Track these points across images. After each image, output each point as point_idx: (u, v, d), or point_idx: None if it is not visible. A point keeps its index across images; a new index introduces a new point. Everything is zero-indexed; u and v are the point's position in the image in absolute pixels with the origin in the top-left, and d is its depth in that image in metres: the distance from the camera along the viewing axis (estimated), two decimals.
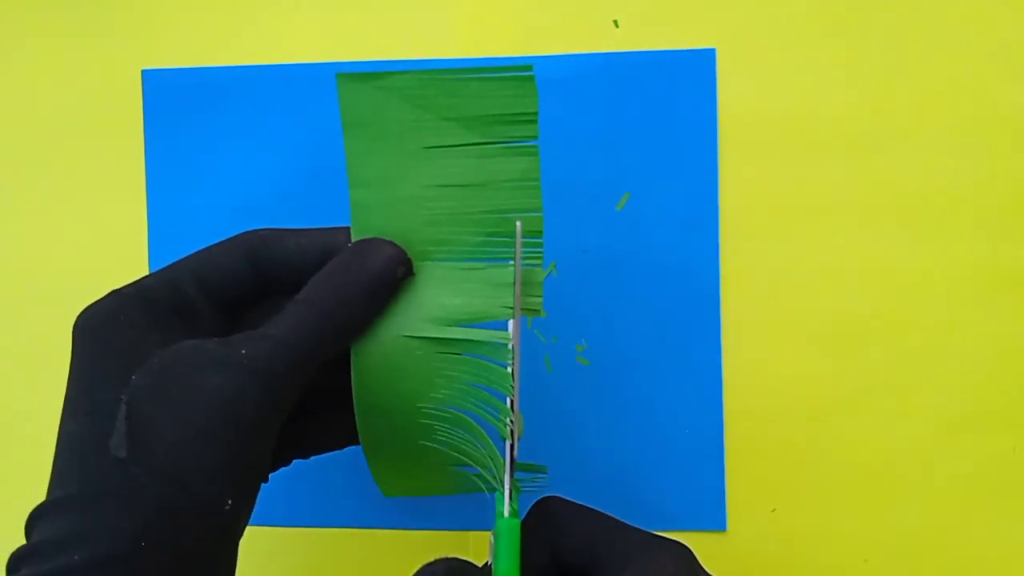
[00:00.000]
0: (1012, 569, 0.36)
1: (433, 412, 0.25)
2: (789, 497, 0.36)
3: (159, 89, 0.38)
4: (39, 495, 0.23)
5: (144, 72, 0.38)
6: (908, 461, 0.36)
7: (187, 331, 0.24)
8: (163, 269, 0.25)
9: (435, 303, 0.25)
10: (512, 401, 0.25)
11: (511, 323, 0.26)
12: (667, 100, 0.36)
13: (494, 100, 0.26)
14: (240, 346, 0.22)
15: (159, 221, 0.38)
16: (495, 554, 0.24)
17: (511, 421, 0.25)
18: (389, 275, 0.25)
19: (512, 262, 0.26)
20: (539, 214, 0.26)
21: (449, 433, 0.26)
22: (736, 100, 0.36)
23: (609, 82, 0.37)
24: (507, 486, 0.25)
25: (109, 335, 0.23)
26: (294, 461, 0.28)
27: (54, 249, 0.38)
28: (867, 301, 0.36)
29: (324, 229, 0.27)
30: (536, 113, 0.26)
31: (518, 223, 0.26)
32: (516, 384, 0.25)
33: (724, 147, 0.36)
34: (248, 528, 0.24)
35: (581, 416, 0.36)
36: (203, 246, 0.37)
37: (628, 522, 0.26)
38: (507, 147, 0.26)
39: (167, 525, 0.20)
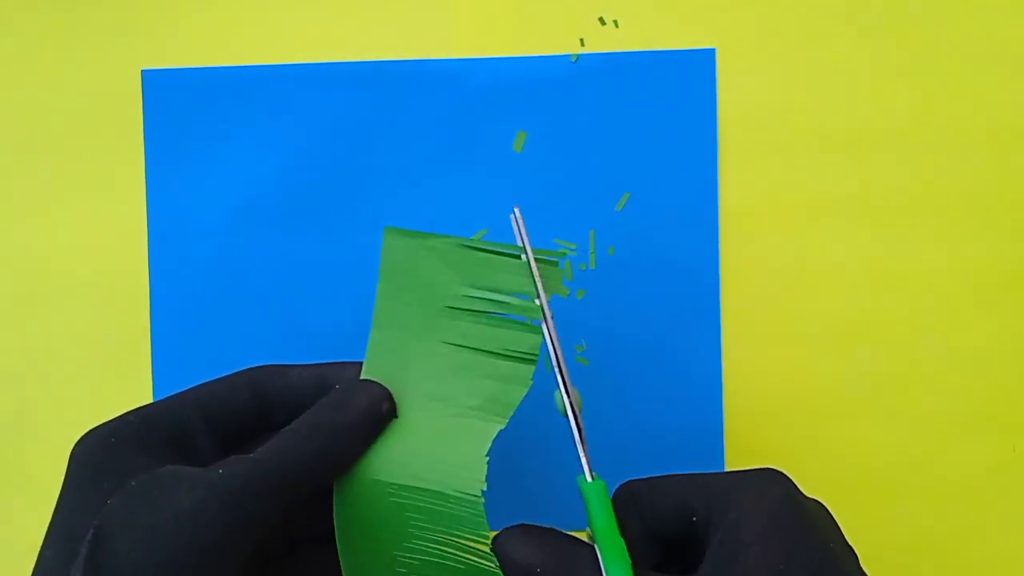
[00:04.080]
0: (1012, 569, 0.36)
1: (409, 560, 0.26)
2: None
3: (159, 89, 0.38)
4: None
5: (144, 72, 0.38)
6: (908, 461, 0.36)
7: (180, 460, 0.24)
8: (170, 396, 0.26)
9: (414, 453, 0.26)
10: (563, 376, 0.26)
11: (541, 294, 0.27)
12: (667, 100, 0.36)
13: (522, 278, 0.27)
14: (218, 467, 0.23)
15: (159, 221, 0.38)
16: (590, 516, 0.24)
17: (568, 397, 0.26)
18: (373, 410, 0.26)
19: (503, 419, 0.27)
20: (527, 387, 0.27)
21: None
22: (736, 100, 0.36)
23: (609, 82, 0.37)
24: (583, 455, 0.26)
25: (97, 461, 0.23)
26: None
27: (54, 249, 0.38)
28: (867, 301, 0.36)
29: (326, 364, 0.28)
30: (551, 296, 0.27)
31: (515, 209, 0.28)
32: (561, 359, 0.26)
33: (724, 147, 0.36)
34: None
35: (581, 416, 0.36)
36: (202, 246, 0.37)
37: None
38: (519, 323, 0.27)
39: None
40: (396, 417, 0.27)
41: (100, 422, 0.25)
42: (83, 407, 0.38)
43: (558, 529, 0.25)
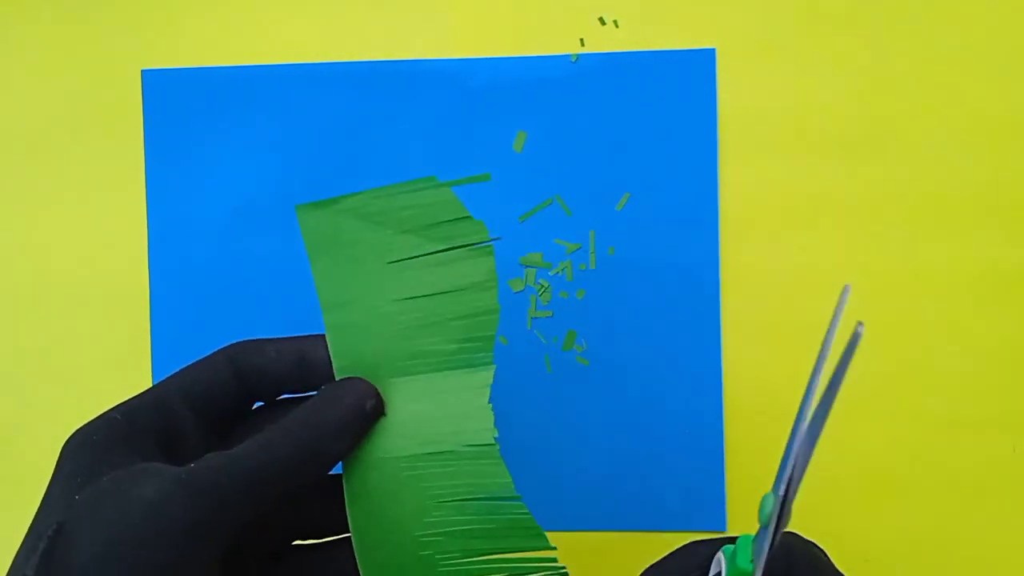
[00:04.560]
0: (1012, 569, 0.36)
1: (431, 538, 0.25)
2: None
3: (159, 89, 0.38)
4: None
5: (144, 72, 0.38)
6: (908, 461, 0.36)
7: (164, 454, 0.24)
8: (154, 387, 0.26)
9: (416, 420, 0.25)
10: (790, 479, 0.21)
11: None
12: (667, 100, 0.36)
13: (450, 205, 0.26)
14: (193, 462, 0.22)
15: (159, 221, 0.38)
16: None
17: (778, 504, 0.21)
18: (358, 407, 0.25)
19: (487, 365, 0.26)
20: (497, 312, 0.26)
21: (453, 559, 0.25)
22: (736, 100, 0.36)
23: (609, 82, 0.37)
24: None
25: (79, 458, 0.23)
26: None
27: (54, 249, 0.38)
28: (867, 301, 0.36)
29: (301, 337, 0.27)
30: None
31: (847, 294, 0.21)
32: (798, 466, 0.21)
33: (724, 147, 0.36)
34: None
35: (581, 416, 0.36)
36: (202, 246, 0.37)
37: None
38: (468, 250, 0.26)
39: None
40: (384, 415, 0.26)
41: None
42: (83, 407, 0.38)
43: None
